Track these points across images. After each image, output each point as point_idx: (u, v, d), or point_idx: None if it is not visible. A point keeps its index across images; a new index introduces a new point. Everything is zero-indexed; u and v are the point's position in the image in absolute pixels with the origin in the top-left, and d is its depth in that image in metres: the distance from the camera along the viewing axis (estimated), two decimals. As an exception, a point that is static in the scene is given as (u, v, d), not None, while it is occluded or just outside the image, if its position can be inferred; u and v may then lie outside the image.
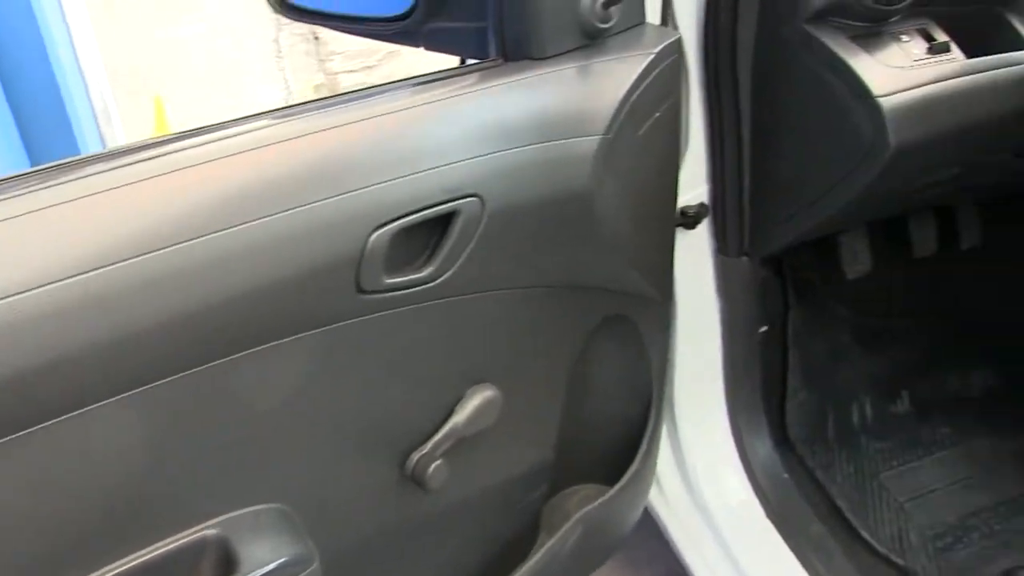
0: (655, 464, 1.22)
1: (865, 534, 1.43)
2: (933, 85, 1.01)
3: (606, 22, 0.89)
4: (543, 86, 0.85)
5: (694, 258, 1.26)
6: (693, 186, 1.20)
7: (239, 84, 3.23)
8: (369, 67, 3.43)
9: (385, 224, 0.74)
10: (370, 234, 0.73)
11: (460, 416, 0.88)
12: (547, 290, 0.92)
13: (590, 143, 0.84)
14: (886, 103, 0.98)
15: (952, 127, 1.03)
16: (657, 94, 0.94)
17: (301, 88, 3.37)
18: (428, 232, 0.78)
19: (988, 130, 1.07)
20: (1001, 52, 1.06)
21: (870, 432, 1.66)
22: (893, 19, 1.05)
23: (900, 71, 1.01)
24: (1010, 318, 1.76)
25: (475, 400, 0.89)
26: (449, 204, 0.77)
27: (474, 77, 0.85)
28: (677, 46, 0.96)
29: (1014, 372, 1.74)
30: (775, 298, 1.64)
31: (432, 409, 0.88)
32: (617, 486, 1.07)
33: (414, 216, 0.76)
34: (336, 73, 3.43)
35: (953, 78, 1.02)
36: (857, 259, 1.64)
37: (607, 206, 0.89)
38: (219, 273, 0.67)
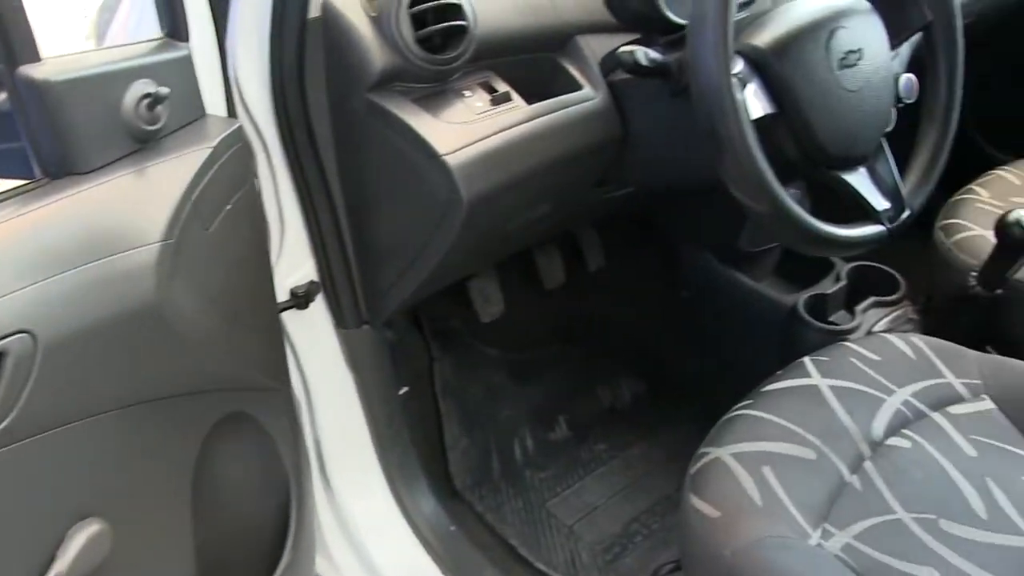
0: (311, 550, 1.22)
1: (540, 565, 1.51)
2: (498, 135, 1.09)
3: (155, 123, 0.89)
4: (92, 201, 0.83)
5: (317, 335, 1.28)
6: (300, 265, 1.22)
7: None
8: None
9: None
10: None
11: (62, 562, 0.83)
12: (145, 405, 0.89)
13: (149, 252, 0.84)
14: (453, 160, 1.05)
15: (522, 171, 1.12)
16: (224, 187, 0.95)
17: None
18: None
19: (557, 169, 1.17)
20: (559, 95, 1.17)
21: (533, 464, 1.75)
22: (455, 76, 1.12)
23: (464, 126, 1.08)
24: (643, 326, 1.94)
25: (78, 539, 0.85)
26: (-7, 346, 0.73)
27: (16, 202, 0.82)
28: (239, 135, 0.98)
29: (655, 376, 1.91)
30: (418, 352, 1.70)
31: (31, 560, 0.82)
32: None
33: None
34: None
35: (516, 126, 1.11)
36: (489, 301, 1.76)
37: (183, 311, 0.88)
38: None
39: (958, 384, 1.16)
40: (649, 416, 1.87)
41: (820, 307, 1.52)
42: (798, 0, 1.16)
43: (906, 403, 1.13)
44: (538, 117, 1.13)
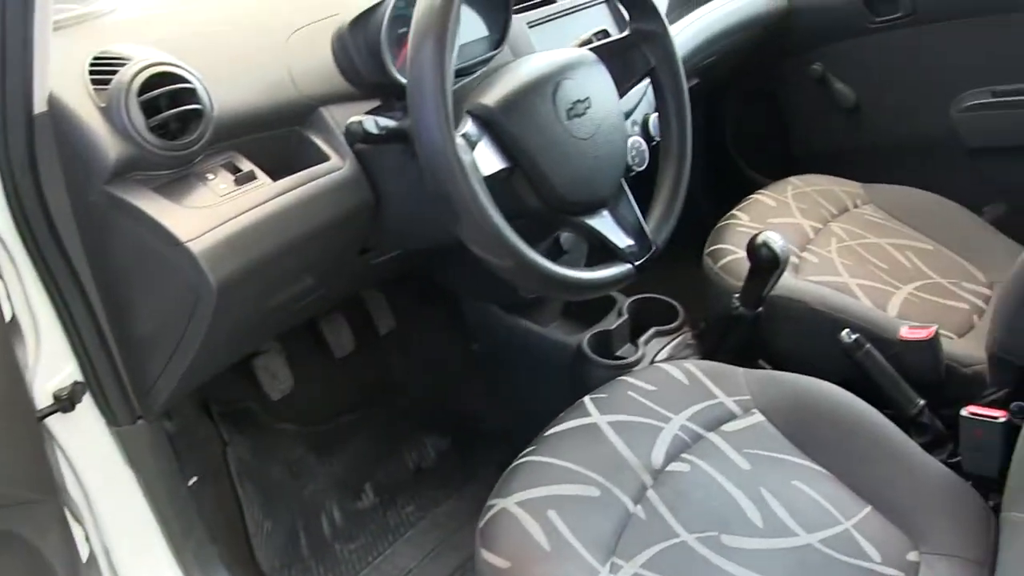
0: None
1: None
2: (243, 216, 1.09)
3: None
4: None
5: (89, 437, 1.23)
6: (60, 367, 1.17)
7: None
8: None
9: None
10: None
11: None
12: None
13: None
14: (196, 246, 1.03)
15: (273, 249, 1.12)
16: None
17: None
18: None
19: (311, 242, 1.18)
20: (307, 168, 1.18)
21: (342, 536, 1.73)
22: (196, 160, 1.10)
23: (208, 210, 1.07)
24: (440, 383, 1.96)
25: None
26: None
27: None
28: None
29: (458, 431, 1.93)
30: (209, 438, 1.66)
31: None
32: None
33: None
34: None
35: (261, 204, 1.11)
36: (277, 378, 1.75)
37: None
38: None
39: (730, 403, 1.23)
40: (455, 472, 1.88)
41: (606, 343, 1.59)
42: (525, 58, 1.22)
43: (683, 428, 1.19)
44: (284, 193, 1.13)
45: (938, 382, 1.34)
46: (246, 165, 1.14)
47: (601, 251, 1.23)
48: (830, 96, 2.18)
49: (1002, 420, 1.15)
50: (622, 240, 1.23)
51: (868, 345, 1.34)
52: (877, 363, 1.34)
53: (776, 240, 1.37)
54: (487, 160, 1.10)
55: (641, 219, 1.26)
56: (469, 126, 1.10)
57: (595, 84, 1.21)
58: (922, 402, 1.33)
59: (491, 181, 1.09)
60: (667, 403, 1.23)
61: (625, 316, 1.61)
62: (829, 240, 1.66)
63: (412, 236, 1.31)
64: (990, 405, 1.28)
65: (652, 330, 1.60)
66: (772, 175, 2.07)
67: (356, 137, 1.07)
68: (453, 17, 1.01)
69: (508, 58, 1.34)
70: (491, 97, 1.12)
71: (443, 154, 1.01)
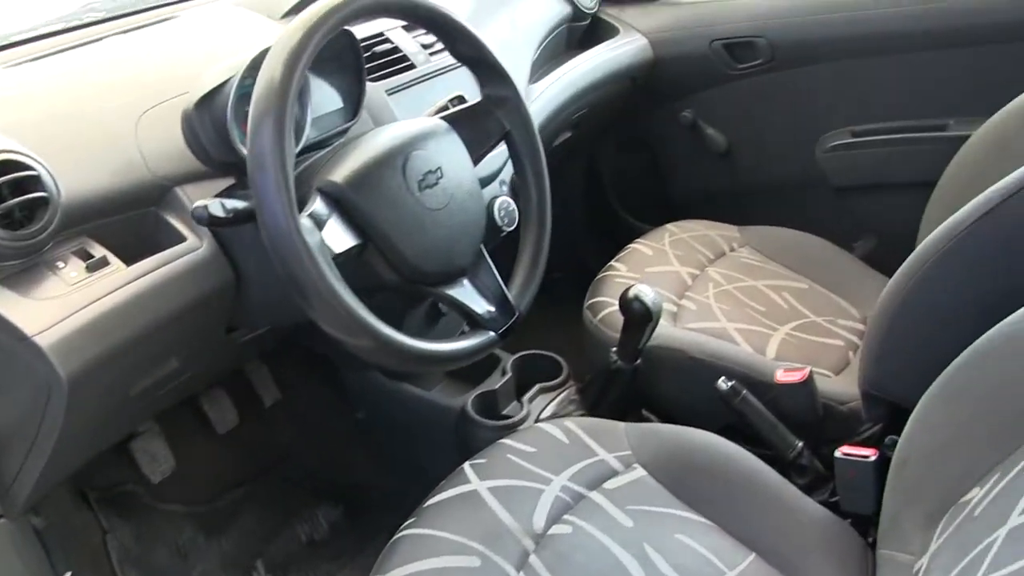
0: None
1: None
2: (94, 304, 1.06)
3: None
4: None
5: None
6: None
7: None
8: None
9: None
10: None
11: None
12: None
13: None
14: (44, 340, 1.00)
15: (129, 336, 1.09)
16: None
17: None
18: None
19: (171, 325, 1.15)
20: (165, 250, 1.15)
21: (234, 620, 1.67)
22: (46, 248, 1.07)
23: (57, 301, 1.04)
24: (329, 452, 1.93)
25: None
26: None
27: None
28: None
29: (349, 500, 1.90)
30: (89, 528, 1.62)
31: None
32: None
33: None
34: None
35: (114, 291, 1.08)
36: (156, 460, 1.70)
37: None
38: None
39: (611, 459, 1.24)
40: (348, 543, 1.84)
41: (491, 404, 1.58)
42: (376, 130, 1.21)
43: (564, 489, 1.19)
44: (139, 278, 1.10)
45: (816, 422, 1.37)
46: (99, 251, 1.11)
47: (466, 320, 1.23)
48: (702, 142, 2.23)
49: (873, 459, 1.19)
50: (483, 308, 1.23)
51: (744, 392, 1.37)
52: (754, 409, 1.36)
53: (647, 293, 1.39)
54: (337, 238, 1.08)
55: (503, 286, 1.26)
56: (318, 204, 1.08)
57: (446, 153, 1.22)
58: (800, 444, 1.35)
59: (344, 258, 1.08)
60: (547, 464, 1.23)
61: (509, 374, 1.60)
62: (707, 286, 1.69)
63: (277, 313, 1.29)
64: (865, 442, 1.32)
65: (536, 387, 1.59)
66: (654, 221, 2.09)
67: (202, 221, 1.05)
68: (292, 95, 1.00)
69: (368, 127, 1.34)
70: (340, 173, 1.11)
71: (288, 237, 0.99)
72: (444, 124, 1.25)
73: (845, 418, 1.37)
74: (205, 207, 1.04)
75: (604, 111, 2.18)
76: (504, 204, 1.48)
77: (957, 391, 0.93)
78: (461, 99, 1.38)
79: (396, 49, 1.56)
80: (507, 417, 1.55)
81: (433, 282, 1.20)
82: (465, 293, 1.22)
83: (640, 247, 1.81)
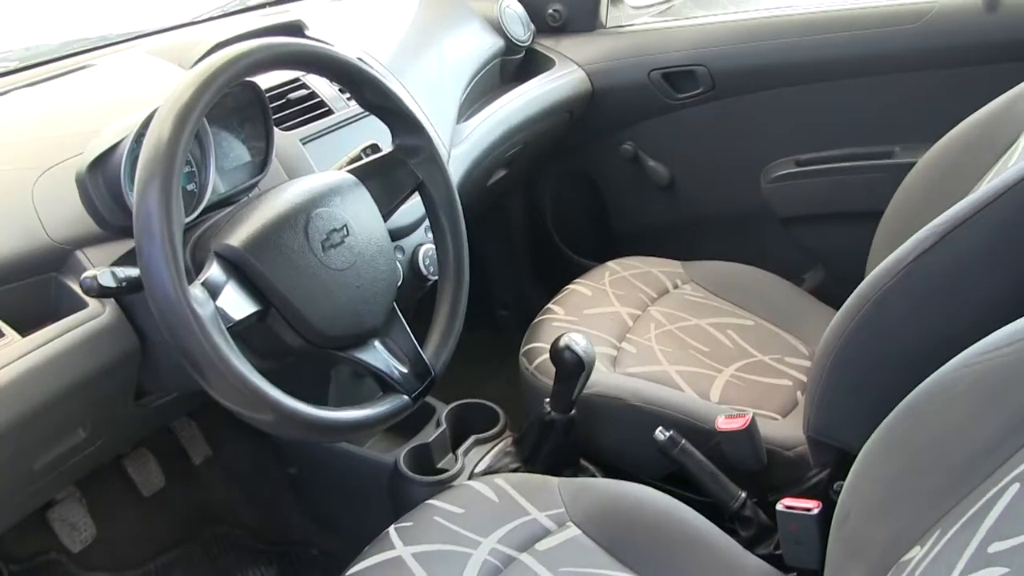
0: None
1: None
2: None
3: None
4: None
5: None
6: None
7: None
8: None
9: None
10: None
11: None
12: None
13: None
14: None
15: (24, 412, 1.02)
16: None
17: None
18: None
19: (71, 397, 1.09)
20: (65, 318, 1.08)
21: None
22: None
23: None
24: (261, 510, 1.86)
25: None
26: None
27: None
28: None
29: (284, 559, 1.84)
30: None
31: None
32: None
33: None
34: None
35: (6, 365, 1.01)
36: (77, 528, 1.64)
37: None
38: None
39: (543, 518, 1.18)
40: None
41: (425, 457, 1.52)
42: (278, 188, 1.15)
43: (493, 552, 1.13)
44: (34, 350, 1.04)
45: (761, 469, 1.32)
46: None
47: (378, 383, 1.17)
48: (644, 174, 2.19)
49: (815, 512, 1.14)
50: (396, 370, 1.16)
51: (683, 442, 1.32)
52: (694, 459, 1.31)
53: (578, 342, 1.34)
54: (235, 305, 1.02)
55: (417, 345, 1.20)
56: (214, 269, 1.02)
57: (353, 209, 1.15)
58: (743, 495, 1.30)
59: (245, 325, 1.02)
60: (476, 526, 1.17)
61: (443, 427, 1.54)
62: (648, 326, 1.64)
63: (186, 378, 1.22)
64: (812, 488, 1.27)
65: (471, 439, 1.54)
66: (597, 256, 2.07)
67: (91, 292, 0.97)
68: (180, 157, 0.94)
69: (281, 179, 1.29)
70: (238, 236, 1.05)
71: (177, 308, 0.92)
72: (351, 178, 1.19)
73: (792, 464, 1.32)
74: (94, 277, 0.96)
75: (542, 146, 2.15)
76: (429, 252, 1.43)
77: (896, 442, 0.88)
78: (375, 148, 1.32)
79: (312, 95, 1.50)
80: (441, 471, 1.49)
81: (341, 346, 1.13)
82: (376, 355, 1.15)
83: (579, 287, 1.76)
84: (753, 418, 1.30)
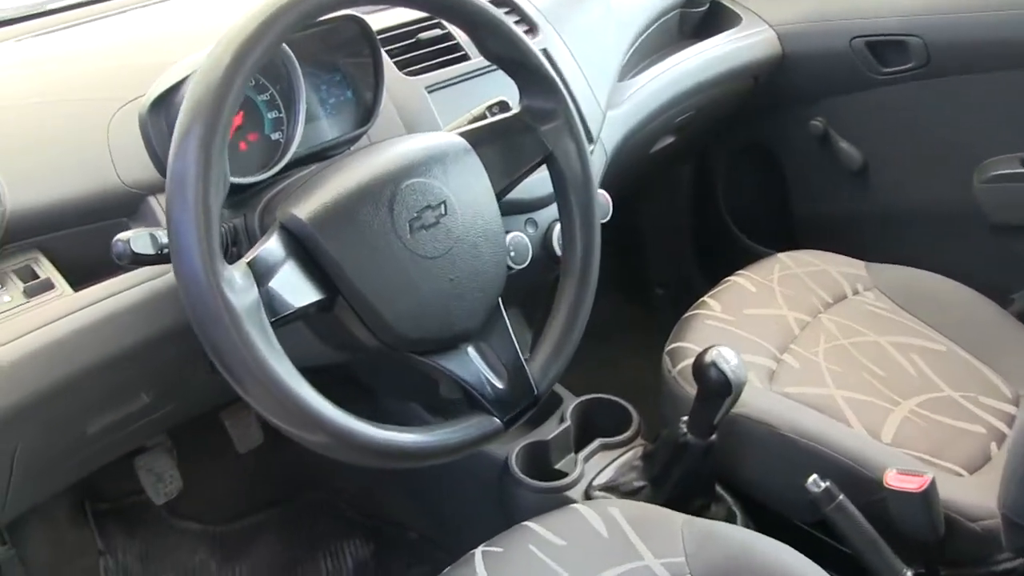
0: None
1: None
2: (27, 338, 0.89)
3: None
4: None
5: None
6: None
7: None
8: None
9: None
10: None
11: None
12: None
13: None
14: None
15: (75, 372, 0.93)
16: None
17: None
18: None
19: (130, 362, 0.99)
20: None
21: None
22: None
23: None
24: (362, 484, 1.80)
25: None
26: None
27: None
28: None
29: (380, 537, 1.77)
30: (83, 547, 1.55)
31: None
32: None
33: None
34: None
35: (53, 322, 0.91)
36: (163, 480, 1.63)
37: None
38: None
39: (658, 566, 1.02)
40: None
41: (542, 455, 1.38)
42: (365, 151, 0.97)
43: (591, 601, 0.97)
44: (85, 307, 0.93)
45: (935, 541, 1.10)
46: (45, 271, 0.94)
47: (465, 399, 0.98)
48: (834, 156, 1.96)
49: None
50: (489, 385, 0.97)
51: (841, 497, 1.11)
52: (853, 522, 1.10)
53: (728, 360, 1.14)
54: (293, 290, 0.85)
55: (521, 357, 1.01)
56: (272, 243, 0.85)
57: (457, 182, 0.96)
58: (910, 574, 1.09)
59: (306, 314, 0.87)
60: (576, 564, 1.01)
61: (567, 423, 1.39)
62: (817, 338, 1.43)
63: None
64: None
65: (597, 442, 1.38)
66: (770, 243, 1.98)
67: (123, 259, 0.83)
68: (229, 107, 0.77)
69: (396, 132, 1.14)
70: (307, 206, 0.88)
71: (206, 293, 0.76)
72: (460, 143, 0.99)
73: (976, 539, 1.11)
74: (127, 241, 0.82)
75: (718, 113, 1.95)
76: (515, 238, 1.25)
77: None
78: (504, 106, 1.14)
79: (447, 36, 1.33)
80: (558, 474, 1.35)
81: (424, 350, 0.95)
82: (466, 365, 0.96)
83: (742, 281, 1.56)
84: (933, 481, 1.07)
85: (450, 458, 0.91)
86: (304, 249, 0.86)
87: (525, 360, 1.01)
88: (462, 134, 1.01)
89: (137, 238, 0.82)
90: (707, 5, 1.90)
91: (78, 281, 0.95)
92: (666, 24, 1.82)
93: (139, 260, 0.82)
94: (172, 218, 0.76)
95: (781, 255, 1.64)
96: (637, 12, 1.72)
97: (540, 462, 1.37)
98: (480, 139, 1.01)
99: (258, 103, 1.03)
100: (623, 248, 2.28)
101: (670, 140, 1.84)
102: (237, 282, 0.78)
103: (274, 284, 0.82)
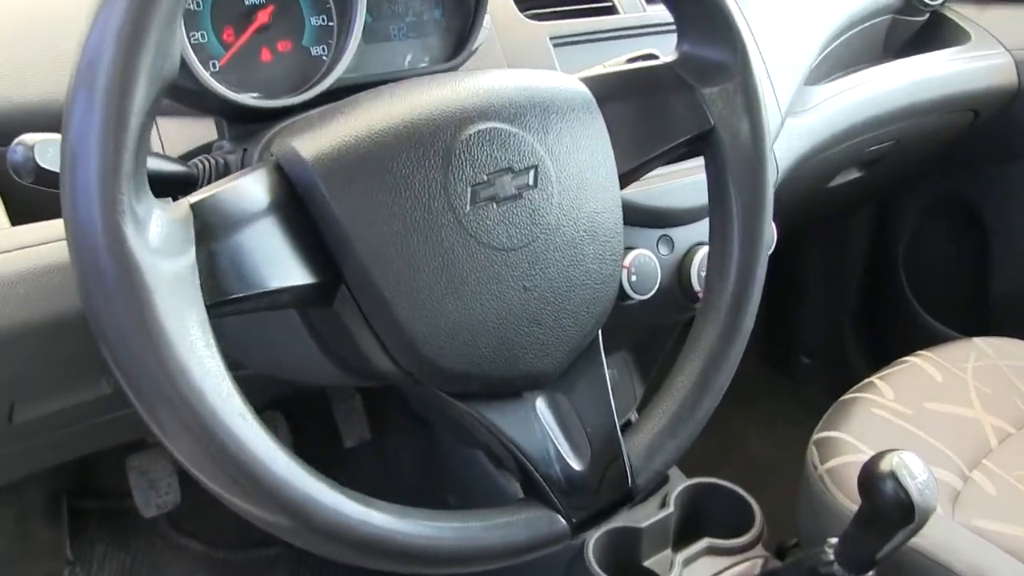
0: None
1: None
2: None
3: None
4: None
5: None
6: None
7: None
8: None
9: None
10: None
11: None
12: None
13: None
14: None
15: None
16: None
17: None
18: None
19: (72, 332, 0.80)
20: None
21: None
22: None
23: None
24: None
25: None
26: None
27: None
28: None
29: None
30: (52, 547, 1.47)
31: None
32: None
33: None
34: None
35: None
36: (156, 489, 1.54)
37: None
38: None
39: None
40: None
41: (630, 547, 1.17)
42: (421, 80, 0.67)
43: None
44: (28, 247, 0.76)
45: None
46: None
47: (520, 479, 0.68)
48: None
49: None
50: (559, 463, 0.66)
51: None
52: None
53: (915, 475, 0.83)
54: (268, 261, 0.56)
55: (616, 425, 0.70)
56: (251, 183, 0.57)
57: (562, 145, 0.66)
58: None
59: (290, 303, 0.60)
60: None
61: (670, 509, 1.17)
62: (1021, 456, 1.18)
63: (269, 355, 0.82)
64: None
65: (704, 542, 1.14)
66: (959, 326, 1.81)
67: (23, 172, 0.56)
68: None
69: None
70: (316, 142, 0.60)
71: (93, 233, 0.47)
72: (582, 91, 0.70)
73: None
74: (32, 147, 0.56)
75: (923, 151, 1.73)
76: (639, 257, 1.01)
77: None
78: (651, 58, 0.86)
79: (596, -25, 1.11)
80: (646, 574, 1.16)
81: (464, 391, 0.65)
82: (527, 426, 0.65)
83: (924, 364, 1.32)
84: None
85: (477, 568, 0.61)
86: (299, 202, 0.58)
87: (623, 432, 0.70)
88: (585, 80, 0.72)
89: (47, 145, 0.56)
90: (927, 16, 1.69)
91: (21, 213, 0.77)
92: (872, 30, 1.62)
93: (43, 179, 0.56)
94: (70, 120, 0.49)
95: (977, 340, 1.41)
96: (840, 7, 1.51)
97: (625, 555, 1.16)
98: (610, 91, 0.72)
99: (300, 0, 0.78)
100: (767, 298, 2.06)
101: (855, 175, 1.65)
102: (156, 227, 0.49)
103: (232, 244, 0.54)
